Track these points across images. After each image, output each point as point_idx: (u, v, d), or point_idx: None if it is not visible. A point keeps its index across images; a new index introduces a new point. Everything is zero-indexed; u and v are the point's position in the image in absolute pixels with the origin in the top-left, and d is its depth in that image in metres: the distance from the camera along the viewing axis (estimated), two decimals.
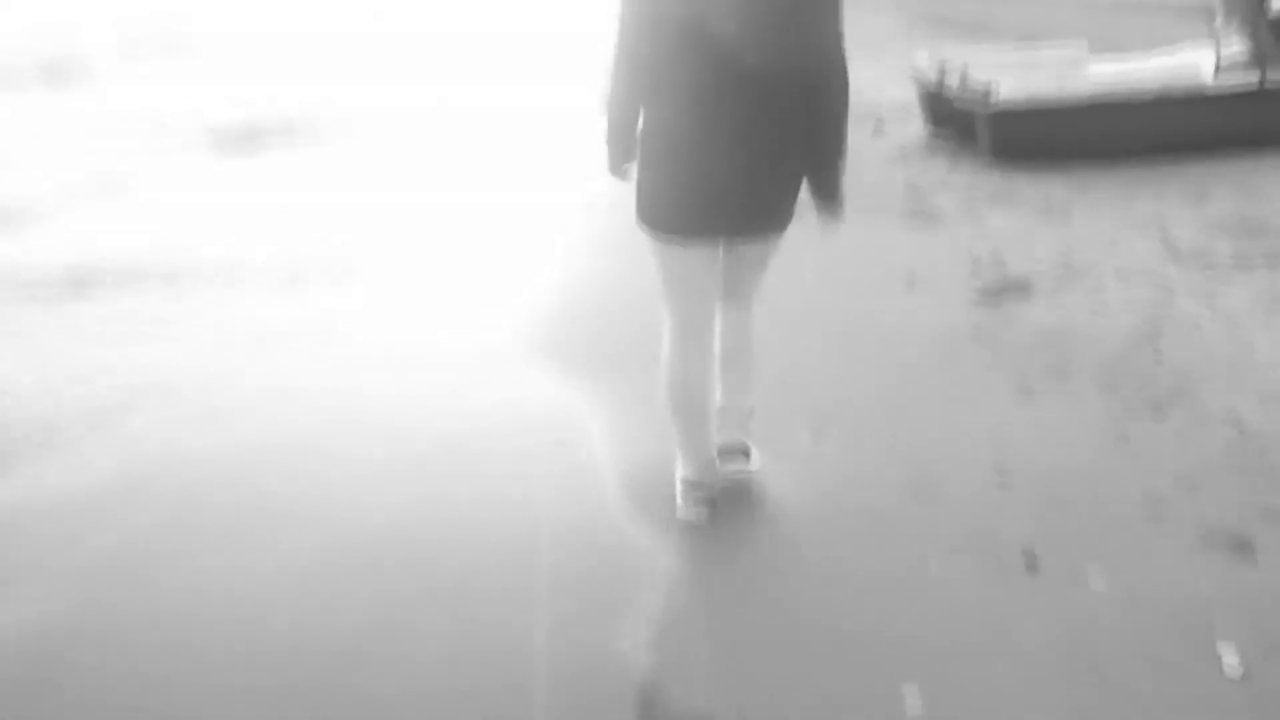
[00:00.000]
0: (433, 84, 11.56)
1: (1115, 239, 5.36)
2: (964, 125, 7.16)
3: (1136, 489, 3.00)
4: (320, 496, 3.07)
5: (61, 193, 6.85)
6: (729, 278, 2.69)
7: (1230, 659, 2.24)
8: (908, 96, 9.77)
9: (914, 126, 8.34)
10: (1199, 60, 7.09)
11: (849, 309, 4.57)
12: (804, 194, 2.65)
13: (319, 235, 5.92)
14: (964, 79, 6.93)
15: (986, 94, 6.65)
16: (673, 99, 2.33)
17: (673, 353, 2.66)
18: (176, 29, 17.60)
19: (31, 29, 17.36)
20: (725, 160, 2.35)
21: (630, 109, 2.43)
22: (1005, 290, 4.66)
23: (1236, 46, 6.90)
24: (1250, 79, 6.72)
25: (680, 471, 2.84)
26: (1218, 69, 6.81)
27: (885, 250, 5.35)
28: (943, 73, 7.24)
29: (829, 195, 2.59)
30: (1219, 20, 6.86)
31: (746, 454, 3.01)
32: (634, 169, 2.53)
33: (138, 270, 5.28)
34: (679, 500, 2.86)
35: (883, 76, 12.02)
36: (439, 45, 14.82)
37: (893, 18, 20.56)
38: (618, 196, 2.86)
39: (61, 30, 17.81)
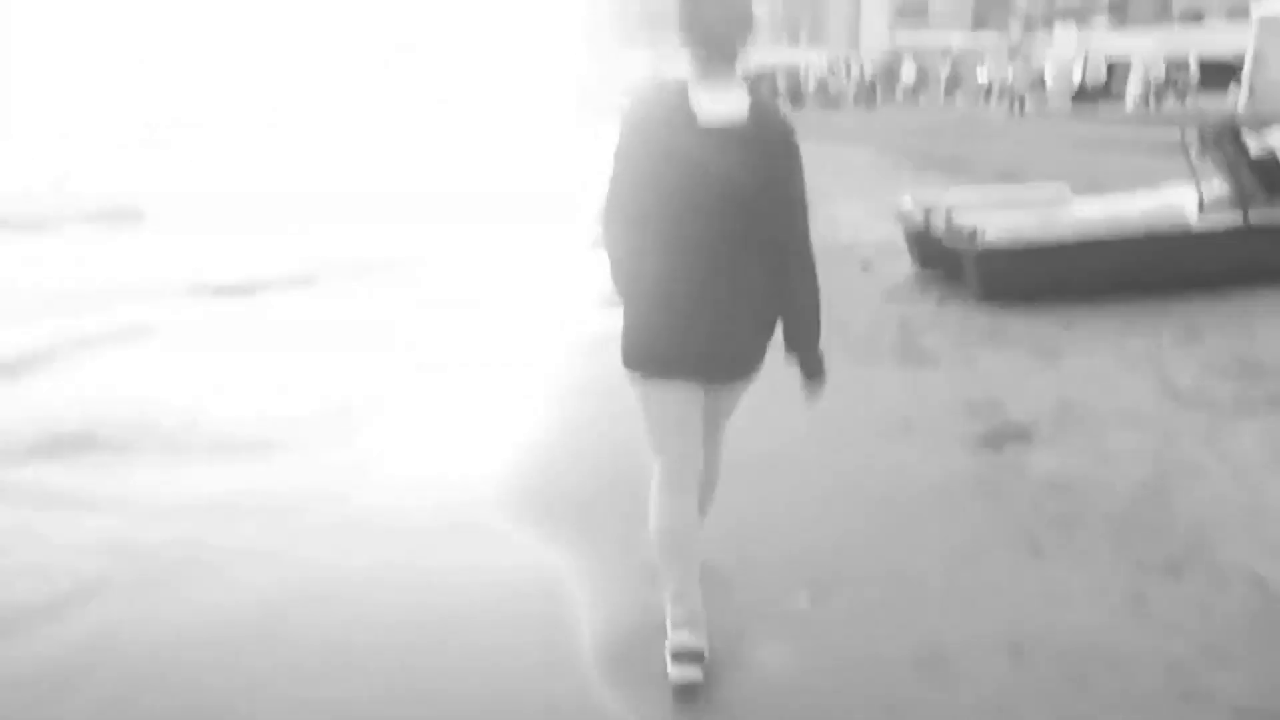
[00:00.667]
0: (421, 227, 11.64)
1: (1112, 380, 5.26)
2: (952, 265, 7.16)
3: (1159, 661, 2.79)
4: (268, 691, 2.80)
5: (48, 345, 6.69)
6: (706, 420, 2.80)
7: None
8: (894, 235, 9.88)
9: (901, 265, 8.36)
10: (1183, 198, 7.16)
11: (843, 456, 4.41)
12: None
13: (297, 396, 5.78)
14: (950, 220, 6.95)
15: (973, 234, 6.66)
16: (654, 250, 2.53)
17: (660, 500, 2.72)
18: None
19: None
20: (700, 307, 2.53)
21: (623, 249, 2.61)
22: (1004, 437, 4.52)
23: (1218, 184, 6.97)
24: (1235, 216, 6.77)
25: (670, 630, 2.75)
26: (1202, 207, 6.86)
27: (877, 393, 5.23)
28: (928, 214, 7.28)
29: (807, 356, 2.80)
30: (1193, 155, 6.95)
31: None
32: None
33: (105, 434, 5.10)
34: (669, 661, 2.72)
35: (868, 213, 12.20)
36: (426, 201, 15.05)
37: (876, 154, 21.11)
38: (597, 340, 2.75)
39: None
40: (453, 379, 5.70)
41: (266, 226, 11.76)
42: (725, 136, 2.48)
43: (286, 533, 3.76)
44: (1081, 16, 67.38)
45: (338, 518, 3.89)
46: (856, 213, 12.22)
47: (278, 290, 8.19)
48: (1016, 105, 34.66)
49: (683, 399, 2.64)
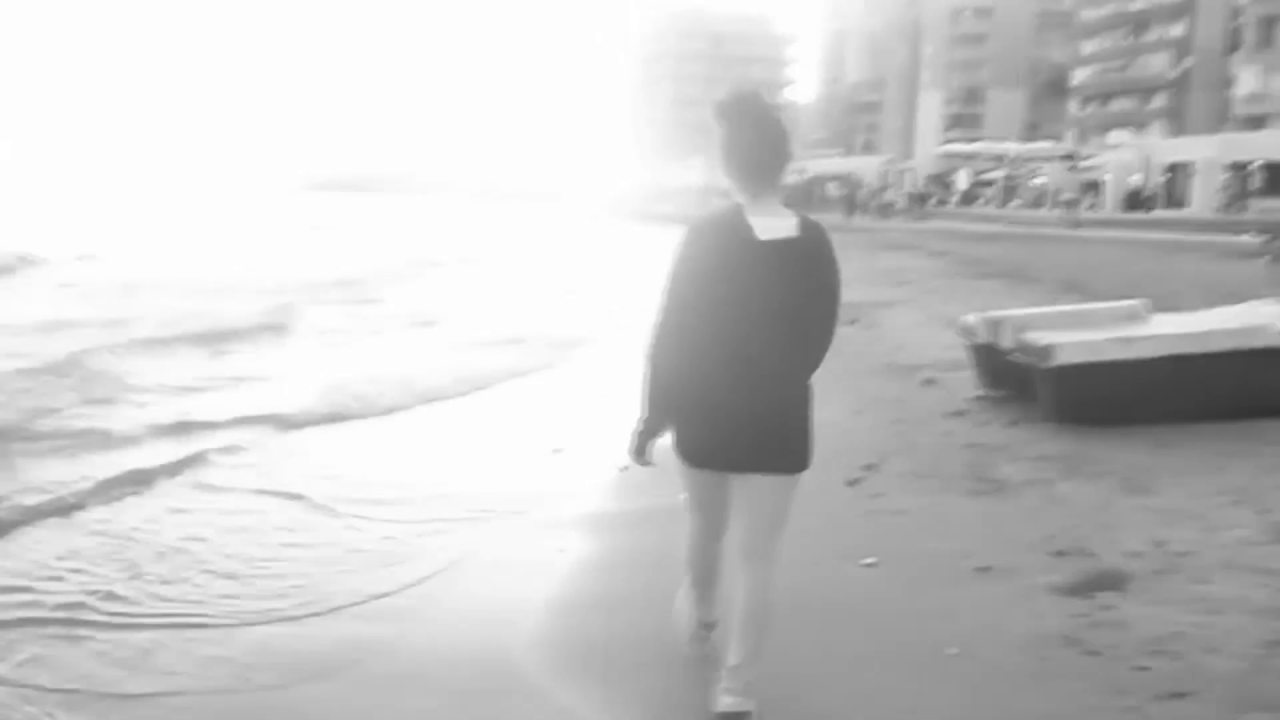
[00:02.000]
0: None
1: (1210, 517, 4.79)
2: (1022, 385, 6.77)
3: None
4: None
5: None
6: (747, 527, 3.00)
7: None
8: (955, 348, 9.52)
9: (965, 382, 7.98)
10: (1270, 313, 6.74)
11: (916, 601, 4.00)
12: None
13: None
14: (1020, 336, 6.60)
15: (1047, 351, 6.29)
16: (698, 355, 2.86)
17: (692, 542, 3.27)
18: None
19: None
20: (744, 401, 2.84)
21: (669, 361, 2.88)
22: (1096, 583, 4.07)
23: None
24: None
25: (690, 615, 3.39)
26: None
27: (951, 527, 4.82)
28: (996, 330, 6.93)
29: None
30: (1265, 264, 6.56)
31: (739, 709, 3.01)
32: (651, 451, 3.01)
33: None
34: (689, 634, 3.40)
35: (926, 324, 11.86)
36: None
37: (931, 262, 20.84)
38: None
39: None
40: (490, 525, 5.42)
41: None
42: (781, 250, 2.81)
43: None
44: (1137, 123, 67.59)
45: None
46: (915, 324, 11.90)
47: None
48: (1071, 212, 34.30)
49: (710, 485, 3.03)
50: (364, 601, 4.16)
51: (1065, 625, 3.72)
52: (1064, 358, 6.25)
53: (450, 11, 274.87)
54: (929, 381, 8.25)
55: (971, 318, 7.46)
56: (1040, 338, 6.44)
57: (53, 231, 28.84)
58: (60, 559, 4.53)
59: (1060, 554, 4.41)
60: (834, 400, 7.93)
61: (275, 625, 3.93)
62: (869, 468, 5.76)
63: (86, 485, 5.49)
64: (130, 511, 5.24)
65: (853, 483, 5.52)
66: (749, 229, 2.80)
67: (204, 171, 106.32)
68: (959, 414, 7.05)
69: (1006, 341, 6.76)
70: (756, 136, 2.87)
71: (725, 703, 2.96)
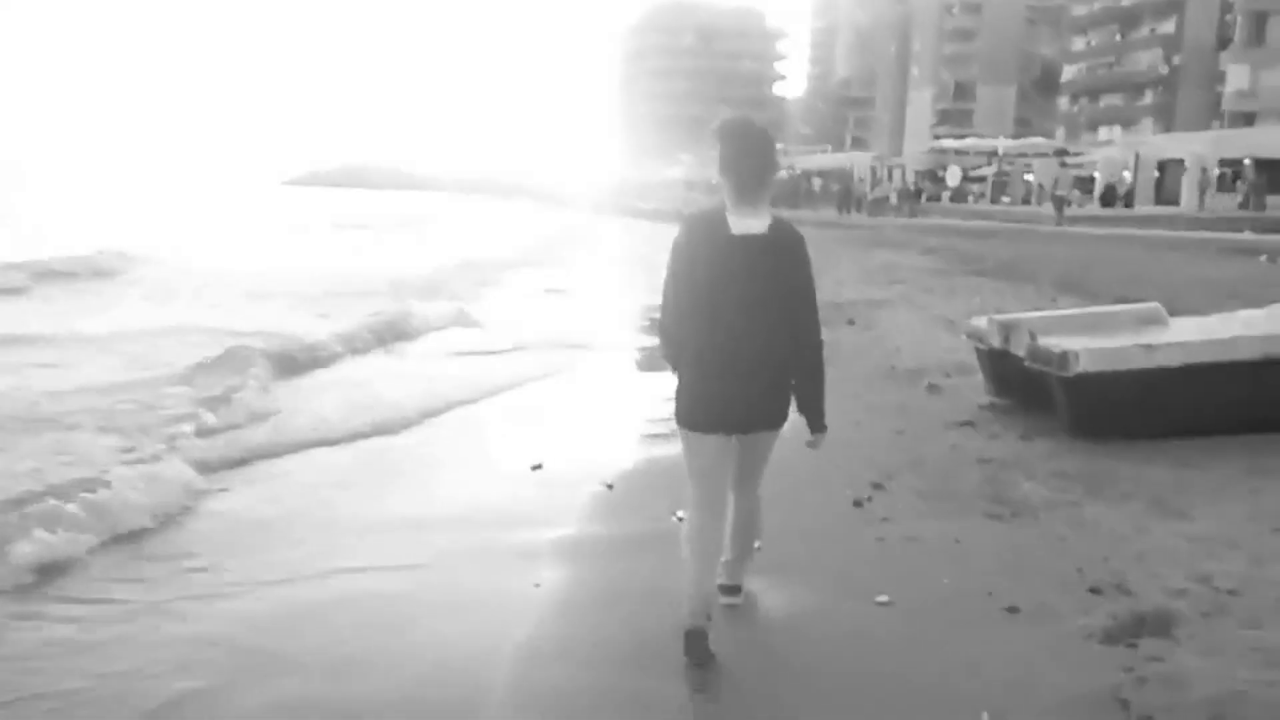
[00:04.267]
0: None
1: (1253, 547, 4.33)
2: (1035, 394, 6.32)
3: None
4: None
5: None
6: (740, 466, 3.55)
7: None
8: (959, 351, 9.07)
9: (971, 388, 7.52)
10: None
11: (935, 654, 3.52)
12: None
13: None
14: (1034, 342, 6.14)
15: (1064, 359, 5.83)
16: (695, 335, 3.37)
17: (691, 521, 3.50)
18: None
19: None
20: (730, 375, 3.33)
21: (674, 332, 3.45)
22: (1138, 627, 3.61)
23: None
24: None
25: (687, 615, 3.44)
26: None
27: (969, 555, 4.36)
28: (1008, 335, 6.47)
29: (814, 420, 3.54)
30: (1264, 262, 6.11)
31: (737, 591, 3.86)
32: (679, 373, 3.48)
33: None
34: (685, 638, 3.44)
35: (925, 324, 11.41)
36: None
37: (925, 260, 20.39)
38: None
39: None
40: (458, 556, 4.93)
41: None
42: (751, 243, 3.32)
43: None
44: (1127, 119, 67.35)
45: None
46: (914, 325, 11.44)
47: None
48: (1061, 208, 33.85)
49: (713, 446, 3.42)
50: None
51: (1110, 680, 3.26)
52: (1084, 366, 5.79)
53: (435, 5, 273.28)
54: (932, 388, 7.79)
55: (981, 321, 7.00)
56: (1057, 344, 5.98)
57: (91, 229, 27.67)
58: None
59: (1095, 591, 3.94)
60: (832, 408, 7.35)
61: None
62: (876, 486, 5.29)
63: None
64: None
65: (859, 504, 5.05)
66: (726, 226, 3.34)
67: (185, 167, 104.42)
68: (967, 424, 6.58)
69: (1019, 347, 6.30)
70: (746, 156, 3.37)
71: (722, 583, 3.71)
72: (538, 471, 5.92)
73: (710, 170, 3.50)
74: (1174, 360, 5.90)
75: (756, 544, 3.96)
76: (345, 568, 4.51)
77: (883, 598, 3.90)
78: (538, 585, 4.19)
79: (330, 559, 4.59)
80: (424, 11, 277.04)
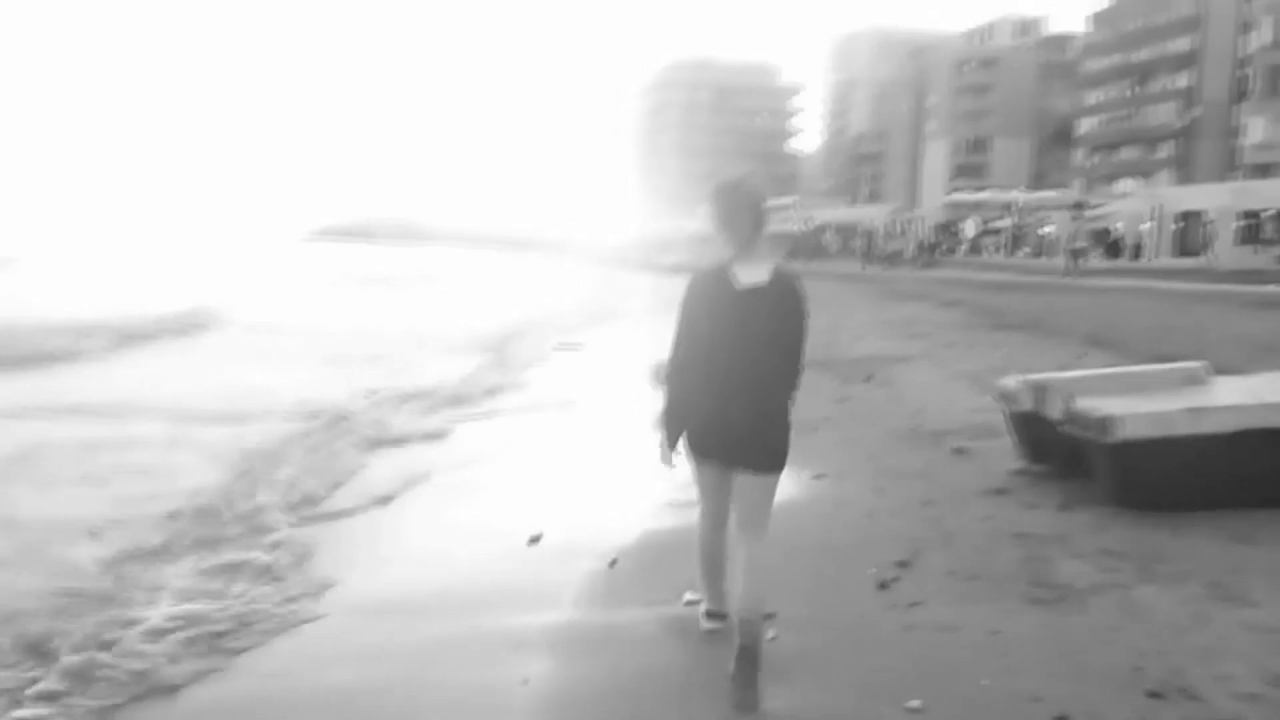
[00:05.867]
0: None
1: None
2: (1073, 460, 5.86)
3: None
4: None
5: None
6: (740, 506, 3.76)
7: None
8: (984, 410, 8.61)
9: (1000, 451, 7.06)
10: None
11: None
12: None
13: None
14: (1071, 405, 5.70)
15: (1105, 424, 5.38)
16: (697, 378, 3.68)
17: (700, 527, 3.98)
18: None
19: None
20: (728, 411, 3.63)
21: (678, 387, 3.74)
22: None
23: None
24: None
25: (704, 605, 4.10)
26: None
27: (1008, 651, 3.87)
28: (1042, 396, 6.03)
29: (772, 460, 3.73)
30: None
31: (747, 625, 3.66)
32: (670, 456, 3.85)
33: None
34: (702, 619, 4.07)
35: (947, 380, 10.96)
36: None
37: (944, 313, 19.96)
38: None
39: None
40: (439, 645, 4.49)
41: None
42: (755, 294, 3.61)
43: None
44: (1144, 171, 67.09)
45: None
46: (936, 382, 10.99)
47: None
48: (1077, 262, 33.38)
49: (710, 473, 3.80)
50: None
51: None
52: (1127, 432, 5.33)
53: (451, 59, 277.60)
54: (959, 451, 7.32)
55: (1011, 381, 6.54)
56: (1096, 408, 5.53)
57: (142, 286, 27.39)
58: None
59: (1155, 695, 3.46)
60: (852, 473, 7.02)
61: None
62: (902, 565, 4.83)
63: None
64: None
65: (885, 586, 4.58)
66: (732, 278, 3.65)
67: (200, 223, 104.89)
68: (999, 493, 6.11)
69: (1055, 410, 5.85)
70: (740, 215, 3.69)
71: (739, 643, 3.58)
72: (535, 545, 5.48)
73: (707, 227, 3.78)
74: (1225, 426, 5.43)
75: (771, 634, 3.90)
76: (323, 655, 4.09)
77: (914, 703, 3.42)
78: (526, 682, 3.74)
79: (305, 645, 4.17)
80: (432, 65, 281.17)
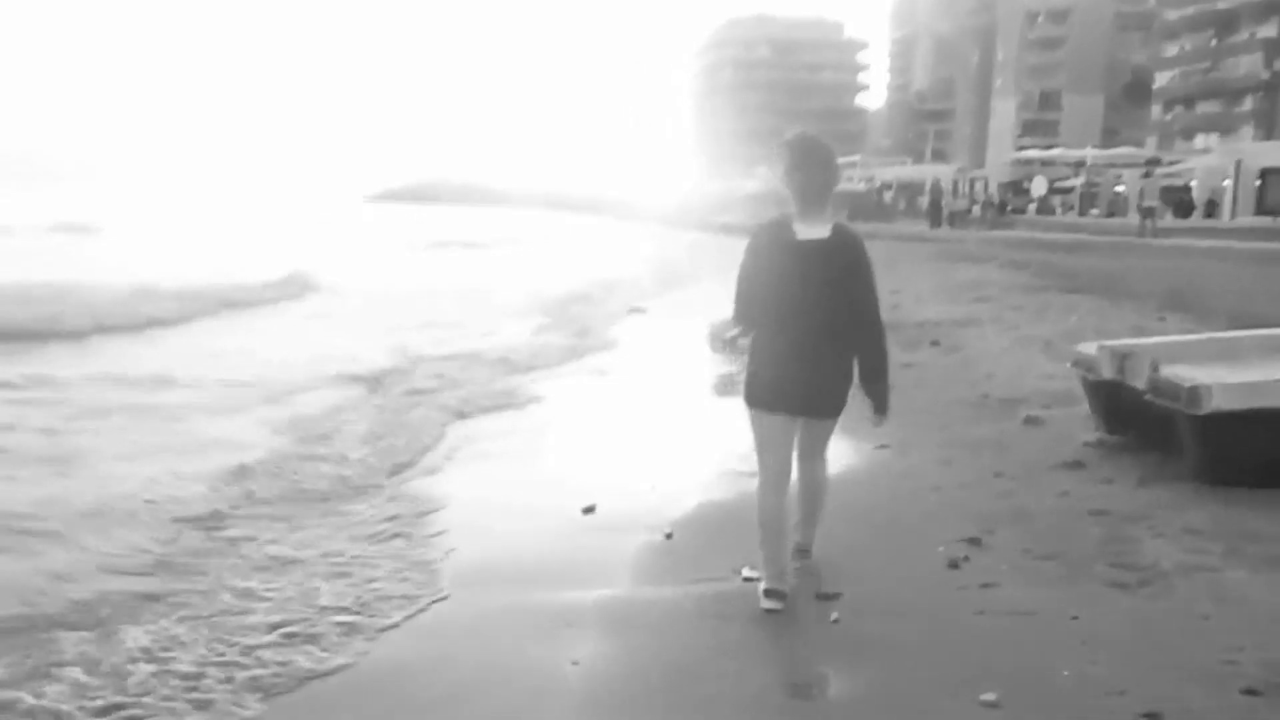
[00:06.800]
0: None
1: None
2: (1156, 432, 5.54)
3: None
4: None
5: None
6: (803, 443, 4.02)
7: None
8: (1057, 377, 8.26)
9: (1075, 420, 6.74)
10: None
11: None
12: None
13: None
14: (1156, 373, 5.37)
15: (1194, 394, 5.05)
16: (764, 324, 3.86)
17: (761, 494, 3.98)
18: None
19: None
20: (793, 364, 3.78)
21: (744, 321, 3.93)
22: None
23: None
24: None
25: (764, 580, 3.95)
26: None
27: (1091, 639, 3.62)
28: (1124, 364, 5.70)
29: (878, 401, 3.98)
30: None
31: (807, 553, 4.31)
32: (743, 347, 3.99)
33: None
34: (761, 596, 3.90)
35: (1017, 346, 10.56)
36: None
37: (1013, 275, 19.33)
38: None
39: None
40: (486, 617, 4.36)
41: None
42: (814, 248, 3.76)
43: None
44: (1224, 127, 64.45)
45: None
46: (1005, 347, 10.59)
47: None
48: (1150, 221, 32.06)
49: (777, 425, 3.89)
50: None
51: None
52: (1218, 403, 5.00)
53: (513, 20, 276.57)
54: (1031, 420, 7.00)
55: (1091, 348, 6.21)
56: (1185, 376, 5.20)
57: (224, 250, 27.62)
58: None
59: (1252, 693, 3.20)
60: (918, 443, 6.73)
61: None
62: (973, 543, 4.58)
63: None
64: None
65: (955, 565, 4.35)
66: (792, 232, 3.78)
67: (266, 185, 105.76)
68: (1075, 466, 5.81)
69: (1138, 379, 5.52)
70: (809, 170, 3.77)
71: (795, 546, 4.18)
72: (590, 515, 5.33)
73: (777, 182, 3.85)
74: None
75: (834, 616, 3.84)
76: (385, 624, 3.99)
77: (989, 696, 3.20)
78: (576, 663, 3.59)
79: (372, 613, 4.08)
80: (493, 27, 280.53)
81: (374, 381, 9.51)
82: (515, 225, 50.85)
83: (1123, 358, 5.74)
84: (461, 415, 8.02)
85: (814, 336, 3.74)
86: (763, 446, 3.94)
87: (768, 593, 3.90)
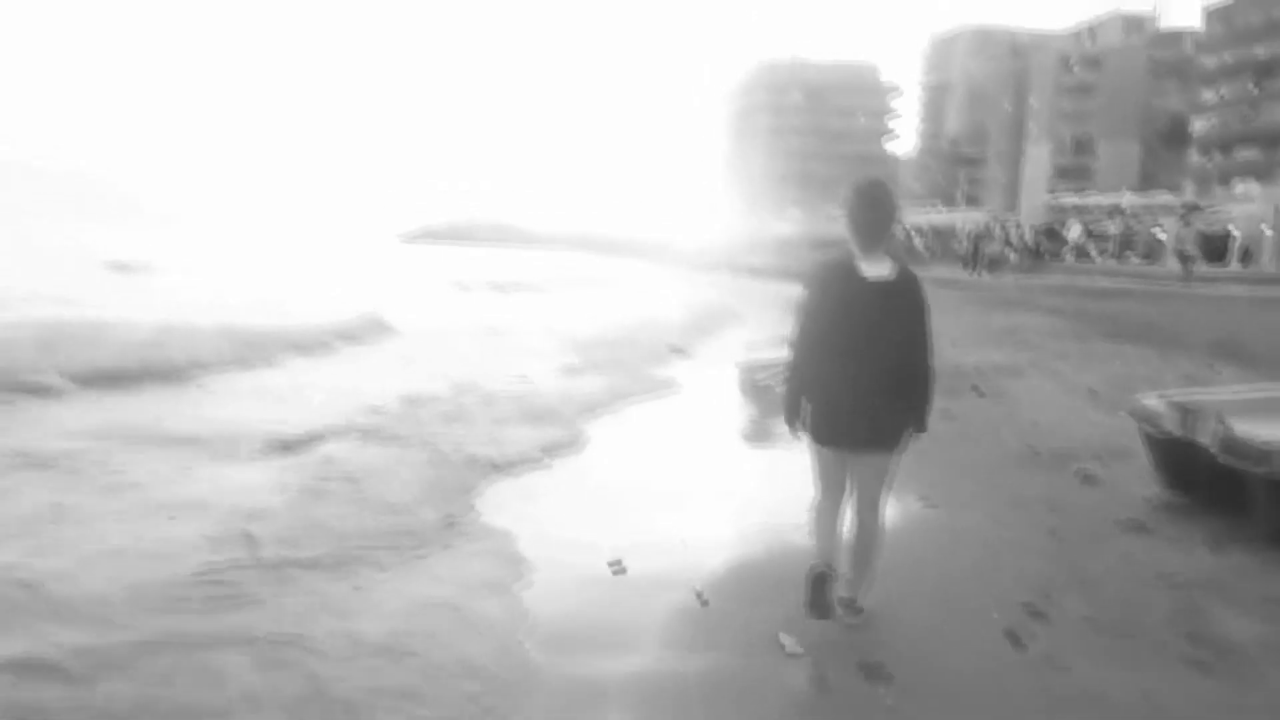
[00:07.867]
0: None
1: None
2: (1225, 492, 5.18)
3: None
4: None
5: None
6: (858, 483, 4.12)
7: None
8: (1106, 428, 7.90)
9: (1132, 475, 6.38)
10: None
11: None
12: None
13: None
14: (1225, 429, 5.03)
15: (1269, 455, 4.71)
16: (821, 366, 3.97)
17: (817, 506, 4.19)
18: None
19: None
20: (848, 402, 3.93)
21: (801, 375, 4.05)
22: None
23: None
24: None
25: (811, 566, 4.14)
26: None
27: None
28: (1189, 419, 5.36)
29: (918, 426, 4.05)
30: None
31: (854, 606, 4.23)
32: (801, 428, 4.12)
33: None
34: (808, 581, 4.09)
35: (1064, 395, 10.19)
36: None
37: (1053, 321, 18.93)
38: None
39: None
40: (497, 694, 4.06)
41: None
42: (881, 288, 3.91)
43: None
44: (1263, 173, 63.62)
45: None
46: (1051, 396, 10.23)
47: None
48: (1188, 267, 31.44)
49: (832, 457, 4.09)
50: None
51: None
52: None
53: (545, 63, 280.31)
54: (1085, 476, 6.64)
55: (1151, 400, 5.87)
56: (1257, 434, 4.86)
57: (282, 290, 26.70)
58: None
59: None
60: (967, 501, 6.35)
61: None
62: (1034, 614, 4.24)
63: None
64: None
65: (1017, 639, 4.01)
66: (859, 272, 3.89)
67: (308, 223, 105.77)
68: (1138, 528, 5.45)
69: (1206, 436, 5.18)
70: (872, 214, 3.92)
71: (841, 596, 4.17)
72: (619, 574, 5.02)
73: (829, 225, 4.33)
74: None
75: (888, 700, 3.55)
76: (374, 686, 3.71)
77: None
78: None
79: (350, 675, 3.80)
80: (526, 67, 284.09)
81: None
82: (563, 268, 50.18)
83: (1188, 413, 5.39)
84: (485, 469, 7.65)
85: (870, 371, 3.86)
86: (819, 472, 4.15)
87: (814, 578, 4.06)
